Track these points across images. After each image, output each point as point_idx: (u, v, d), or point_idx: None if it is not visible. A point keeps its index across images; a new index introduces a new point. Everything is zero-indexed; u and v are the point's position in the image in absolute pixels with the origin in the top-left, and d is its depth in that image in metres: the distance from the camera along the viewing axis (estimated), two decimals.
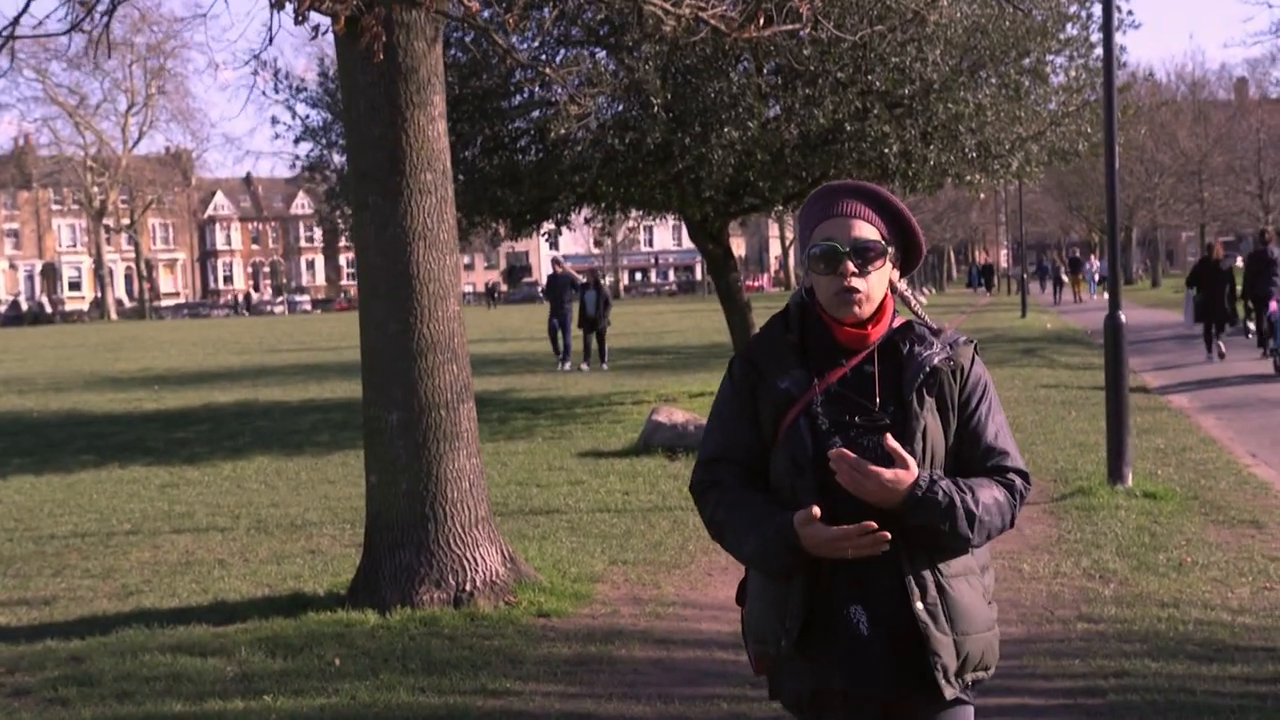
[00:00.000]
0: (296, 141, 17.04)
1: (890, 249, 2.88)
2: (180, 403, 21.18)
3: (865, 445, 2.77)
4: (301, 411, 18.86)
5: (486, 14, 10.61)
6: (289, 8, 6.42)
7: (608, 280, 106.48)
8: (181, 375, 28.16)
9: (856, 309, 2.83)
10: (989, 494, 2.80)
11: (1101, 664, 5.85)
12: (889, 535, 2.67)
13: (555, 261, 26.47)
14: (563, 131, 13.33)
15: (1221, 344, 21.59)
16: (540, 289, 31.65)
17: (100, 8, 7.59)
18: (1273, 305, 19.52)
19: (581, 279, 26.34)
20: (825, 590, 2.80)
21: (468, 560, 7.06)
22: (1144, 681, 5.61)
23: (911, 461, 2.71)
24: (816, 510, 2.69)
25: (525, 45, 14.27)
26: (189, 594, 7.78)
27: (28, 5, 7.29)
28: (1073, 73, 15.51)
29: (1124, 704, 5.35)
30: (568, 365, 25.17)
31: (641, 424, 14.32)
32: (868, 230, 2.84)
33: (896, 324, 2.93)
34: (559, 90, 13.78)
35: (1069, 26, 15.31)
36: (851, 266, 2.81)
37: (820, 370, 2.86)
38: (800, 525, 2.71)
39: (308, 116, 16.94)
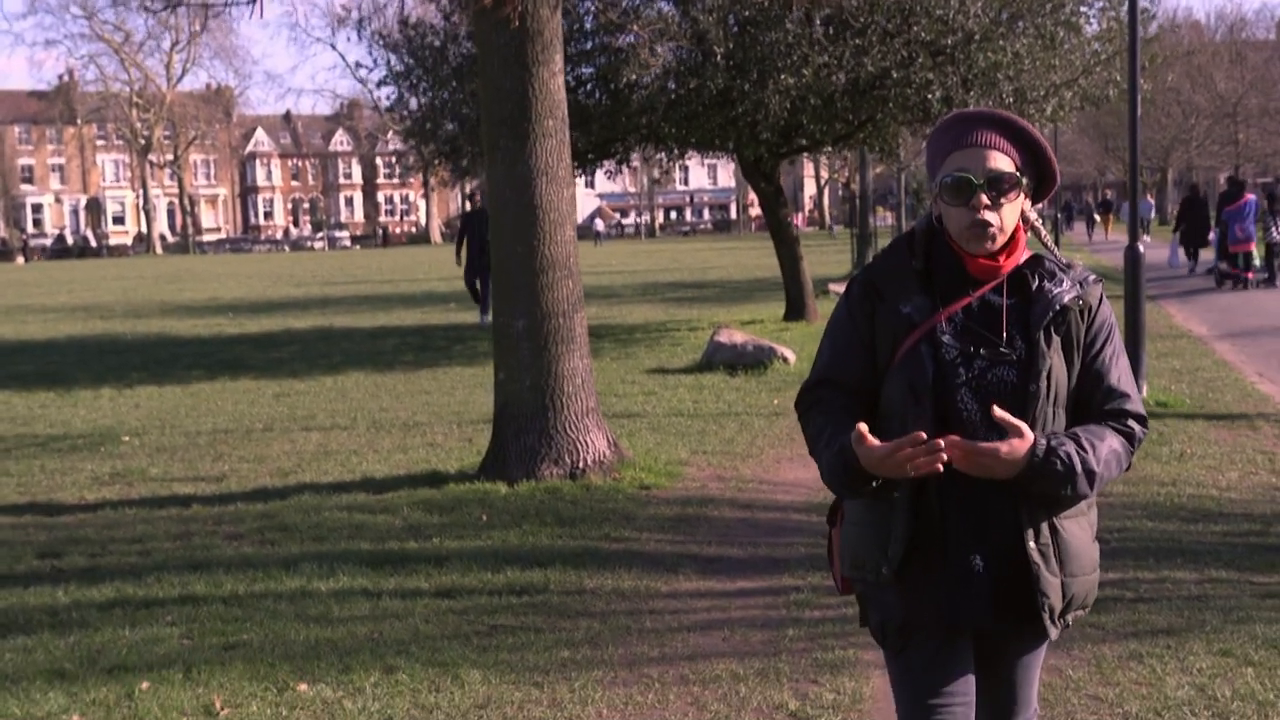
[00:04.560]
0: (379, 85, 18.37)
1: (1024, 180, 2.78)
2: (259, 328, 22.64)
3: (990, 379, 2.74)
4: (379, 336, 20.28)
5: None
6: None
7: (644, 218, 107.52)
8: (250, 304, 29.64)
9: (990, 244, 2.75)
10: (1108, 446, 2.73)
11: (1108, 523, 7.17)
12: (942, 445, 2.57)
13: (471, 195, 22.36)
14: (633, 77, 14.62)
15: (1197, 261, 28.72)
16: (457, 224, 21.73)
17: None
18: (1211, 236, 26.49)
19: None
20: (930, 519, 2.76)
21: (580, 443, 8.47)
22: (1140, 535, 6.97)
23: (1025, 429, 2.64)
24: (864, 427, 2.64)
25: None
26: (339, 473, 9.22)
27: None
28: (1104, 23, 16.67)
29: (1123, 549, 6.69)
30: (489, 318, 19.62)
31: (699, 347, 15.69)
32: (1003, 161, 2.74)
33: (1026, 256, 2.85)
34: (627, 37, 15.11)
35: None
36: (985, 199, 2.71)
37: (945, 298, 2.79)
38: (855, 445, 2.66)
39: (390, 62, 18.19)
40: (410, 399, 13.03)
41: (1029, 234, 2.87)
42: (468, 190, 23.91)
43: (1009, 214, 2.76)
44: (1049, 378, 2.74)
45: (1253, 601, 5.77)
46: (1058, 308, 2.77)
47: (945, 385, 2.74)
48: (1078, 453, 2.67)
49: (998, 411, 2.63)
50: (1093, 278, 2.85)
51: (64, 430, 11.65)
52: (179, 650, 5.45)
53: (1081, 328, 2.80)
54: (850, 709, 4.68)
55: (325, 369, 15.87)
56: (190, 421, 11.96)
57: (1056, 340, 2.77)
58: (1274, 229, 24.42)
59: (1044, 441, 2.65)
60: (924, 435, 2.58)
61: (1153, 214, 51.90)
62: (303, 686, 4.98)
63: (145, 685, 5.01)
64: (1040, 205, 2.94)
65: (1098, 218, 57.54)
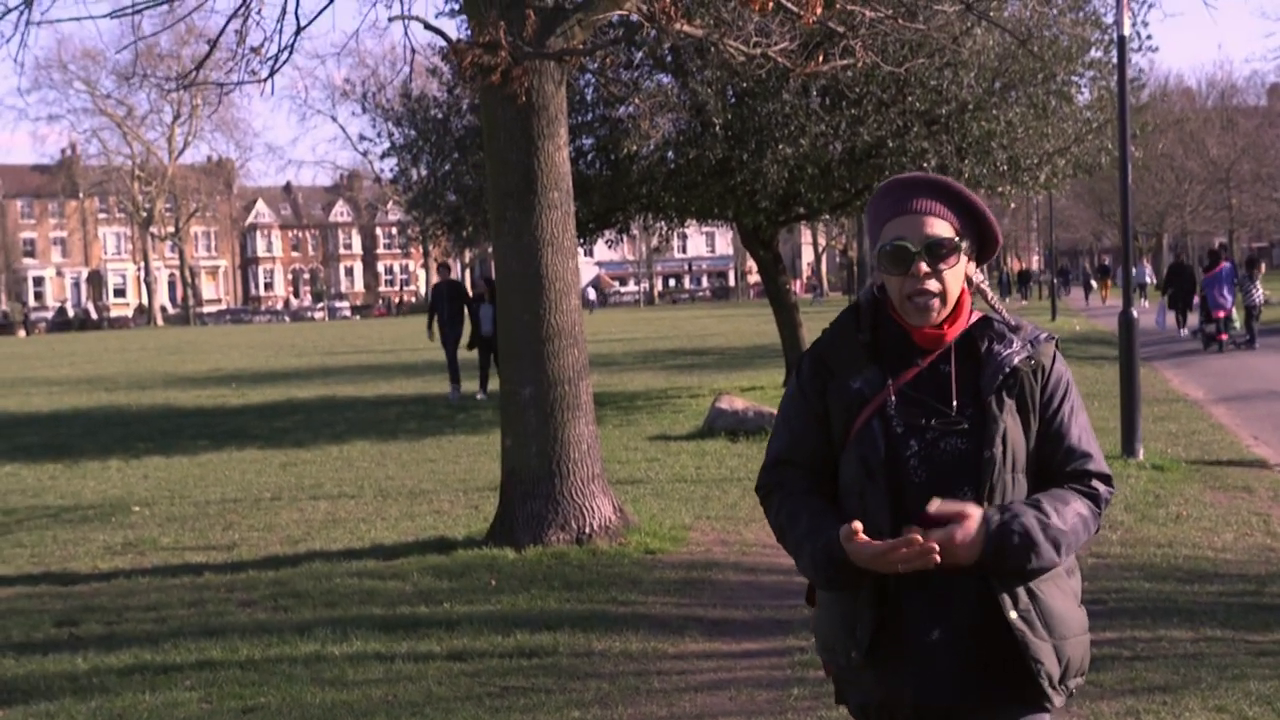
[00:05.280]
0: (383, 157, 18.70)
1: (964, 244, 2.73)
2: (263, 398, 22.80)
3: (942, 449, 2.68)
4: (382, 405, 20.45)
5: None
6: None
7: (643, 285, 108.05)
8: (252, 375, 29.82)
9: (931, 314, 2.70)
10: (1072, 511, 2.68)
11: (1105, 584, 7.32)
12: (936, 546, 2.51)
13: (441, 267, 21.59)
14: (634, 148, 14.90)
15: (1186, 325, 29.72)
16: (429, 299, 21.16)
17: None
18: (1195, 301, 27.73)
19: (472, 289, 22.08)
20: (895, 601, 2.69)
21: (587, 508, 8.62)
22: (1137, 595, 7.10)
23: (968, 509, 2.58)
24: (858, 525, 2.57)
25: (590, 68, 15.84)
26: (348, 540, 9.36)
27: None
28: (1095, 92, 17.01)
29: (1120, 609, 6.82)
30: (458, 395, 20.60)
31: (701, 413, 15.85)
32: (940, 226, 2.70)
33: (974, 319, 2.79)
34: (627, 109, 15.41)
35: (1093, 50, 16.78)
36: (924, 267, 2.67)
37: (894, 370, 2.73)
38: (845, 541, 2.59)
39: (393, 135, 18.51)
40: (416, 467, 13.17)
41: (975, 297, 2.82)
42: (436, 260, 23.65)
43: (951, 279, 2.71)
44: (1004, 443, 2.67)
45: (1248, 659, 5.90)
46: (1007, 370, 2.70)
47: (897, 459, 2.68)
48: (1037, 520, 2.61)
49: (934, 507, 2.57)
50: (1044, 336, 2.79)
51: (74, 501, 11.78)
52: (199, 714, 5.58)
53: (1036, 388, 2.73)
54: None
55: (330, 438, 16.03)
56: (199, 491, 12.09)
57: (1010, 403, 2.70)
58: (1253, 293, 25.83)
59: (996, 516, 2.60)
60: (919, 537, 2.51)
61: (1148, 279, 52.36)
62: None
63: None
64: (984, 266, 2.88)
65: (1094, 284, 58.23)
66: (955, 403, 2.69)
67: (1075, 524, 2.66)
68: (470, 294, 20.94)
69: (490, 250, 9.23)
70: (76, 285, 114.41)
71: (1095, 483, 2.74)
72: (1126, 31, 11.87)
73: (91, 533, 10.13)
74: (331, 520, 10.29)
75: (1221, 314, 25.60)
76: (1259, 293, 26.17)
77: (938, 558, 2.51)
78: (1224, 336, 25.57)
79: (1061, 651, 2.69)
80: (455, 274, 21.20)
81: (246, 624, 7.05)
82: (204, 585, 8.08)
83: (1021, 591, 2.67)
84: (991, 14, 13.36)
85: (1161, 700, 5.36)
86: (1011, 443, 2.68)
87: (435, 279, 21.21)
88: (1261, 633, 6.31)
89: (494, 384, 18.91)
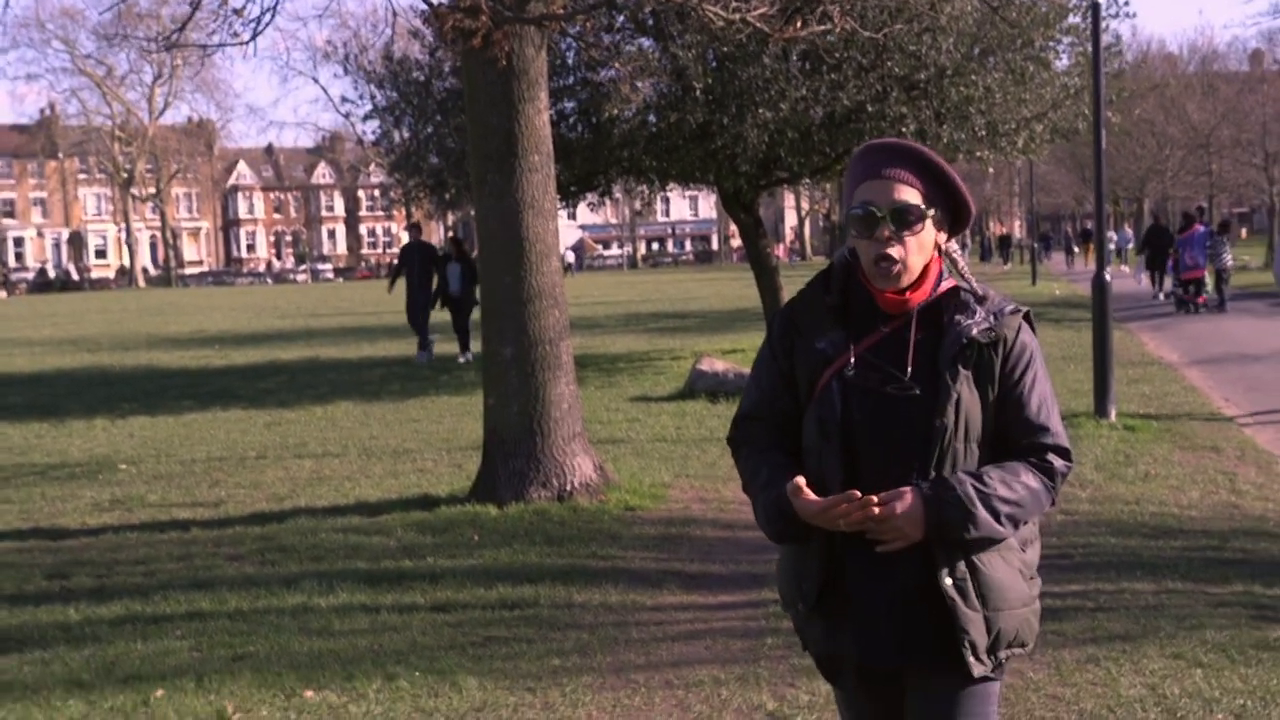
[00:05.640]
0: (365, 119, 18.74)
1: (932, 211, 2.78)
2: (247, 360, 22.91)
3: (897, 415, 2.73)
4: (365, 367, 20.56)
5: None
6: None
7: (626, 249, 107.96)
8: (236, 336, 29.89)
9: (895, 279, 2.76)
10: (1021, 483, 2.72)
11: (1072, 539, 7.52)
12: (875, 500, 2.59)
13: (412, 227, 21.19)
14: (615, 112, 15.00)
15: (1162, 288, 30.19)
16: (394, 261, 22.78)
17: None
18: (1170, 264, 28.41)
19: (442, 248, 21.88)
20: (841, 559, 2.76)
21: (567, 466, 8.79)
22: (1103, 550, 7.30)
23: (902, 492, 2.64)
24: (801, 480, 2.67)
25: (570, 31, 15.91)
26: (333, 497, 9.52)
27: None
28: (1073, 58, 17.14)
29: (1086, 563, 7.03)
30: (427, 356, 20.66)
31: (682, 375, 16.04)
32: (908, 193, 2.74)
33: (945, 288, 2.83)
34: (609, 73, 15.51)
35: (1071, 15, 16.90)
36: (888, 231, 2.73)
37: (859, 333, 2.80)
38: (791, 496, 2.68)
39: (375, 97, 18.55)
40: (399, 427, 13.32)
41: (947, 266, 2.87)
42: (412, 220, 23.36)
43: (916, 247, 2.76)
44: (957, 412, 2.70)
45: (1206, 610, 6.10)
46: (964, 340, 2.73)
47: (852, 422, 2.74)
48: (975, 490, 2.65)
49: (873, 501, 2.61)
50: (1010, 308, 2.81)
51: (61, 459, 11.91)
52: (189, 661, 5.74)
53: (996, 359, 2.75)
54: (825, 708, 4.99)
55: (314, 399, 16.15)
56: (185, 450, 12.23)
57: (966, 374, 2.73)
58: (1223, 256, 26.62)
59: (928, 487, 2.66)
60: (858, 494, 2.58)
61: (1130, 244, 52.61)
62: (309, 693, 5.28)
63: (160, 693, 5.31)
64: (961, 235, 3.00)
65: (1077, 248, 58.62)
66: (910, 369, 2.73)
67: (1024, 496, 2.70)
68: (441, 252, 20.83)
69: (473, 212, 9.34)
70: (57, 246, 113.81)
71: (1051, 456, 2.77)
72: None
73: (79, 490, 10.27)
74: (316, 478, 10.44)
75: (1191, 275, 26.38)
76: (1228, 256, 27.05)
77: (876, 510, 2.58)
78: (1202, 299, 26.22)
79: (993, 623, 2.73)
80: (435, 236, 20.55)
81: (234, 577, 7.21)
82: (192, 540, 8.24)
83: (961, 561, 2.71)
84: None
85: (1121, 648, 5.56)
86: (965, 412, 2.72)
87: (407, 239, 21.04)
88: (1221, 585, 6.51)
89: (476, 345, 19.30)
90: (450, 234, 21.33)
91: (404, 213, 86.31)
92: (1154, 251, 31.11)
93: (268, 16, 8.98)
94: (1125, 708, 4.90)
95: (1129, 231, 58.50)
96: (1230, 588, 6.47)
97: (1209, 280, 26.97)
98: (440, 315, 20.78)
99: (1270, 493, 8.75)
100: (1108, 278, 12.17)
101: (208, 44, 9.85)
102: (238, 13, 9.38)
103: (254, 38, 8.64)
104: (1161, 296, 30.02)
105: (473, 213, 9.76)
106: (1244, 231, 26.36)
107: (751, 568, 7.17)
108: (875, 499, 2.58)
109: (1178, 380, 15.15)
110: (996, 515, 2.66)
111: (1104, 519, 8.05)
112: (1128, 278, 39.54)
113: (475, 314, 17.03)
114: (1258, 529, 7.74)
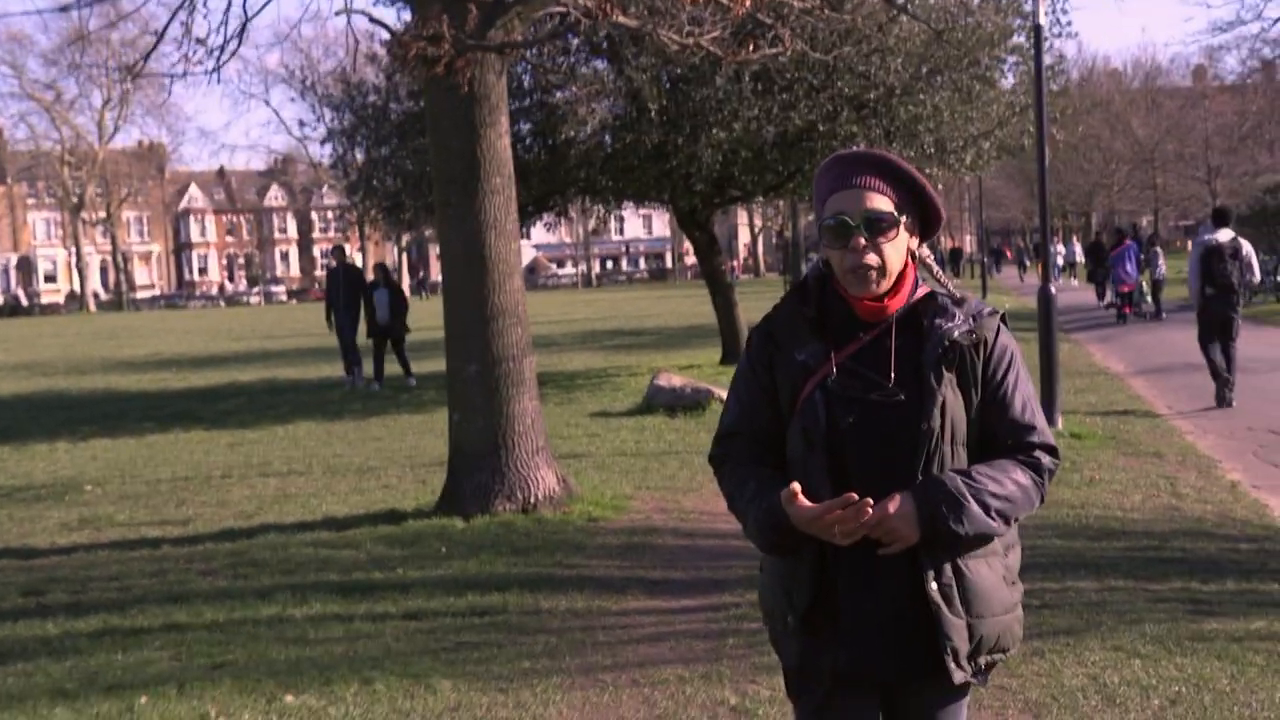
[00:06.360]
0: (323, 142, 18.93)
1: (904, 218, 2.81)
2: (205, 382, 22.96)
3: (883, 421, 2.74)
4: (325, 387, 20.68)
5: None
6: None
7: (581, 268, 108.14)
8: (192, 359, 29.89)
9: (871, 286, 2.76)
10: (1011, 480, 2.73)
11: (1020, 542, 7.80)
12: (870, 502, 2.58)
13: (336, 250, 20.68)
14: (571, 133, 15.28)
15: (1105, 297, 31.46)
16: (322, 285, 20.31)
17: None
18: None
19: (370, 275, 21.42)
20: (832, 570, 2.76)
21: (531, 479, 9.02)
22: (1049, 551, 7.60)
23: (896, 496, 2.65)
24: (796, 486, 2.64)
25: (529, 56, 16.18)
26: (300, 513, 9.69)
27: None
28: (1018, 77, 17.59)
29: (1032, 564, 7.26)
30: (356, 381, 20.13)
31: (639, 391, 16.28)
32: (880, 201, 2.76)
33: (920, 294, 2.85)
34: (564, 95, 15.78)
35: (1015, 35, 17.34)
36: (862, 240, 2.74)
37: (838, 343, 2.80)
38: (785, 504, 2.66)
39: (330, 121, 18.75)
40: (362, 445, 13.49)
41: (921, 271, 2.88)
42: (329, 248, 22.47)
43: (891, 253, 2.77)
44: (943, 415, 2.72)
45: (1146, 606, 6.40)
46: (947, 343, 2.74)
47: (837, 431, 2.73)
48: (965, 485, 2.67)
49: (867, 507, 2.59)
50: (988, 310, 2.83)
51: (26, 481, 12.02)
52: (170, 670, 5.92)
53: (978, 361, 2.78)
54: (786, 703, 5.23)
55: (275, 419, 16.28)
56: (149, 470, 12.35)
57: (949, 377, 2.75)
58: (1158, 266, 27.99)
59: (919, 485, 2.67)
60: (854, 496, 2.56)
61: (1078, 258, 53.43)
62: (289, 697, 5.47)
63: (144, 700, 5.49)
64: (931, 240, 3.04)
65: (1028, 262, 59.42)
66: (894, 375, 2.73)
67: (1013, 492, 2.72)
68: (367, 281, 20.27)
69: (427, 233, 9.62)
70: (6, 271, 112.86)
71: (1039, 454, 2.79)
72: (1043, 20, 12.39)
73: (46, 510, 10.39)
74: (283, 495, 10.60)
75: (1125, 288, 27.82)
76: (1163, 267, 28.34)
77: (870, 511, 2.57)
78: (1128, 309, 27.73)
79: (976, 629, 2.75)
80: (390, 257, 19.62)
81: (208, 590, 7.39)
82: (163, 557, 8.40)
83: (947, 567, 2.73)
84: (914, 3, 13.83)
85: (1065, 642, 5.84)
86: (951, 415, 2.74)
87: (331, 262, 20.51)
88: (1160, 582, 6.82)
89: (392, 368, 19.50)
90: (380, 264, 20.53)
91: (358, 234, 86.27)
92: (1095, 265, 33.53)
93: (232, 44, 9.18)
94: (1068, 696, 5.18)
95: (1077, 245, 59.34)
96: (1169, 584, 6.78)
97: (1146, 289, 28.33)
98: (367, 343, 19.94)
99: (1209, 495, 9.09)
100: (1053, 290, 12.53)
101: (171, 74, 10.02)
102: (201, 42, 9.59)
103: (218, 68, 8.82)
104: (1104, 306, 31.47)
105: (427, 233, 10.01)
106: (1190, 244, 27.31)
107: (712, 573, 7.42)
108: (869, 502, 2.58)
109: (1123, 389, 15.55)
110: (988, 509, 2.67)
111: (1050, 522, 8.35)
112: (1077, 291, 40.27)
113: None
114: (1196, 529, 8.07)
